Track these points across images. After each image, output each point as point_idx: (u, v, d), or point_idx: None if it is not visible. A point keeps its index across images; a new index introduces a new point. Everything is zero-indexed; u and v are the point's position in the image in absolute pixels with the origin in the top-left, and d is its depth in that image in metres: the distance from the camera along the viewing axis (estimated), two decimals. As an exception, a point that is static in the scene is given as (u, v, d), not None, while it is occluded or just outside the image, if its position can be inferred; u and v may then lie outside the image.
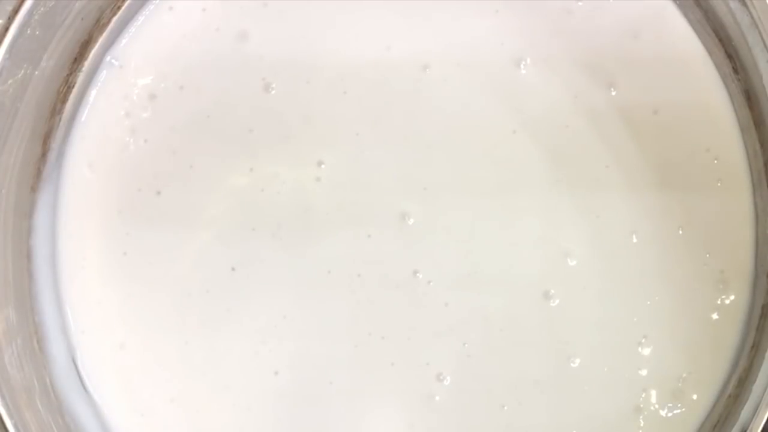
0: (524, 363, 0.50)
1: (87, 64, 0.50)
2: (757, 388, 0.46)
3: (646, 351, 0.50)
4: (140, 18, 0.51)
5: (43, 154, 0.49)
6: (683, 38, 0.51)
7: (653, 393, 0.50)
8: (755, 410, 0.44)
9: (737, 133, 0.50)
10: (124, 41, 0.51)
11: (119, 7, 0.50)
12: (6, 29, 0.43)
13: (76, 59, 0.49)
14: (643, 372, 0.50)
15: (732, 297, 0.50)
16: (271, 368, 0.50)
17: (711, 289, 0.50)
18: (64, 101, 0.50)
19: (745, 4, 0.46)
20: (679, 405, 0.50)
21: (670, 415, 0.50)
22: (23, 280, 0.49)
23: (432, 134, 0.50)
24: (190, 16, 0.51)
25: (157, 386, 0.50)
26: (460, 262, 0.50)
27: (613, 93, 0.50)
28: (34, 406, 0.46)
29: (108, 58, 0.51)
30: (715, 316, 0.50)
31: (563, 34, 0.50)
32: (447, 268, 0.50)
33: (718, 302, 0.50)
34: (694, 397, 0.50)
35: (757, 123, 0.49)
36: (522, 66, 0.50)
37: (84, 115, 0.51)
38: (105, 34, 0.50)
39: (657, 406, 0.50)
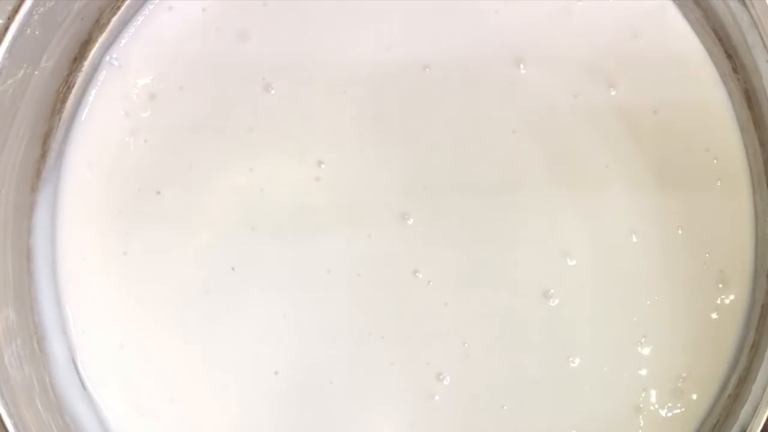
0: (524, 363, 0.50)
1: (87, 64, 0.50)
2: (756, 387, 0.46)
3: (646, 351, 0.50)
4: (140, 18, 0.51)
5: (43, 154, 0.49)
6: (683, 38, 0.51)
7: (653, 393, 0.50)
8: (755, 410, 0.45)
9: (737, 133, 0.50)
10: (124, 41, 0.51)
11: (119, 7, 0.50)
12: (6, 29, 0.43)
13: (76, 59, 0.49)
14: (643, 372, 0.50)
15: (732, 297, 0.50)
16: (271, 368, 0.50)
17: (711, 288, 0.50)
18: (64, 101, 0.50)
19: (745, 4, 0.46)
20: (679, 405, 0.50)
21: (669, 414, 0.50)
22: (23, 280, 0.49)
23: (432, 134, 0.50)
24: (190, 16, 0.51)
25: (157, 386, 0.50)
26: (460, 262, 0.50)
27: (613, 93, 0.50)
28: (34, 406, 0.46)
29: (108, 58, 0.51)
30: (714, 315, 0.50)
31: (563, 34, 0.50)
32: (447, 268, 0.50)
33: (718, 302, 0.50)
34: (694, 396, 0.50)
35: (757, 123, 0.49)
36: (522, 66, 0.50)
37: (84, 115, 0.51)
38: (105, 34, 0.50)
39: (657, 405, 0.50)
